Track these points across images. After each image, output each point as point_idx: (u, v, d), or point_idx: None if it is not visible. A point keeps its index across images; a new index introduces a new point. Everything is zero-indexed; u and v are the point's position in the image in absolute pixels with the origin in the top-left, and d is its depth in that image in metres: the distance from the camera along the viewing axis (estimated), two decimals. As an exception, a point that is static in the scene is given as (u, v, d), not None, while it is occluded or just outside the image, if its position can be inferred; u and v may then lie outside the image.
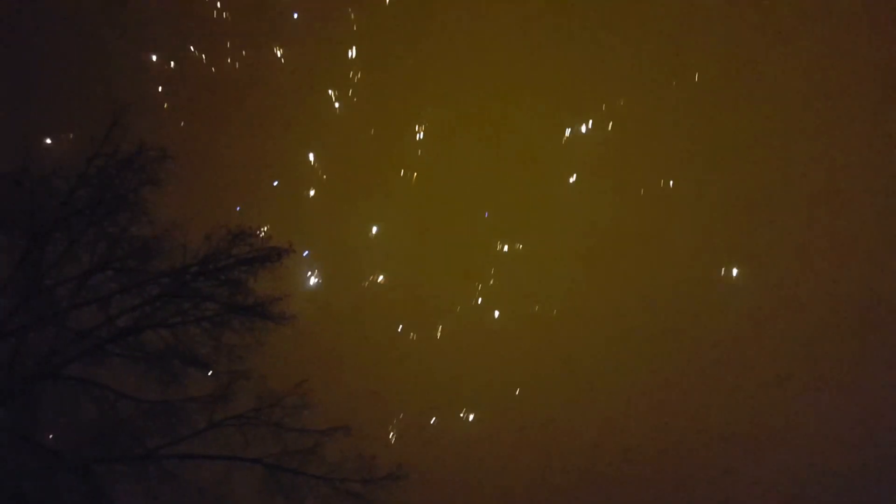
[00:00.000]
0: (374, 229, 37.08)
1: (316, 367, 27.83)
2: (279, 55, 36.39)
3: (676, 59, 37.49)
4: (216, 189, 32.20)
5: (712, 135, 37.40)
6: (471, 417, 35.54)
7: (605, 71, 37.89)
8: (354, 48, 36.68)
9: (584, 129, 37.70)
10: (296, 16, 36.56)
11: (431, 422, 35.24)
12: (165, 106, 33.97)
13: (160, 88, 34.07)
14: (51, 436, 20.43)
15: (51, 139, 27.84)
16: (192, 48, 35.10)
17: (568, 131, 37.64)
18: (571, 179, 37.76)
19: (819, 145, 37.10)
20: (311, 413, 22.02)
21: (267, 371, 21.86)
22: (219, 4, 35.46)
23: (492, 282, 37.19)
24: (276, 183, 34.63)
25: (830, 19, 36.86)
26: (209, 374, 20.93)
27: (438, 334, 36.46)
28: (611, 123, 37.59)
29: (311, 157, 35.97)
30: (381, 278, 36.71)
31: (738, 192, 37.29)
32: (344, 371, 33.21)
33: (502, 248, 37.51)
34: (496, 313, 36.88)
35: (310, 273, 34.98)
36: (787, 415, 35.23)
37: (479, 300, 36.92)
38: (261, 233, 21.59)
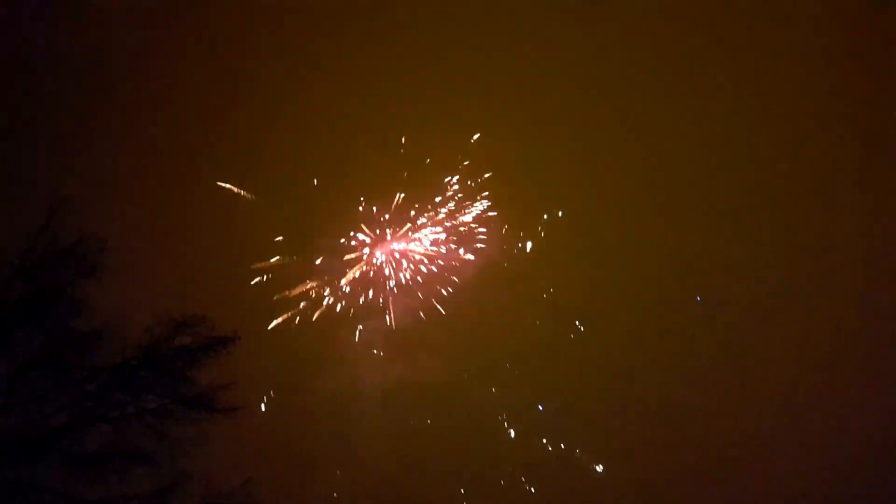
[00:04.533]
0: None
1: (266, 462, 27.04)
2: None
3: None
4: (159, 278, 31.61)
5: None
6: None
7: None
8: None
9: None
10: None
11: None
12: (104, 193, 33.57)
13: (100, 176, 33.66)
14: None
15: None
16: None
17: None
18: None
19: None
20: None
21: (213, 466, 21.02)
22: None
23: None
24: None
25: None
26: (152, 470, 19.97)
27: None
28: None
29: None
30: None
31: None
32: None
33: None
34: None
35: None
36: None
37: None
38: (205, 322, 21.08)
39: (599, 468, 36.90)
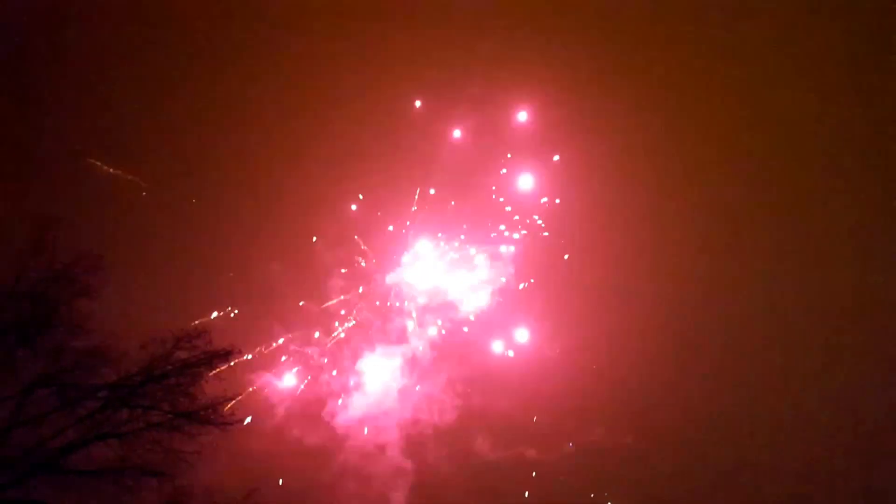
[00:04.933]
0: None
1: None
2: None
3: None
4: (156, 294, 31.61)
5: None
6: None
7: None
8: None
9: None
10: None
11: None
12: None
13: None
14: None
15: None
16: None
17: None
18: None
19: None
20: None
21: (219, 477, 21.29)
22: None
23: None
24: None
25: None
26: (159, 484, 20.19)
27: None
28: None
29: None
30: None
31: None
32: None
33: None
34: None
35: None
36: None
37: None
38: (202, 335, 21.29)
39: None
